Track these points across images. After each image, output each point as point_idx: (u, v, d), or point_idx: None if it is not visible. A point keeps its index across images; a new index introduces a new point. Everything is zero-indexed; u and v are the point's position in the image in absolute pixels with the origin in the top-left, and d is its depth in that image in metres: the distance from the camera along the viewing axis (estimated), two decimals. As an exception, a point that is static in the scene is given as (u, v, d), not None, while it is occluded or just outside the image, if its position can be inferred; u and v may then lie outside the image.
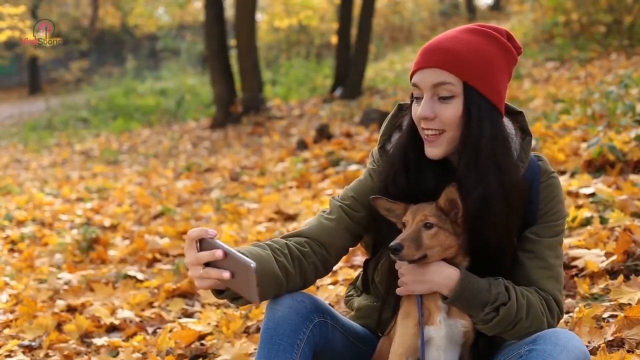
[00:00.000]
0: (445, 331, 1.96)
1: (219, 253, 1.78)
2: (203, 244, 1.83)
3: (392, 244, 1.89)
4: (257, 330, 3.31)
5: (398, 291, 2.00)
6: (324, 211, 2.16)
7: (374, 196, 2.02)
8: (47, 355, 3.42)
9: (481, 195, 1.92)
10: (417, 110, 1.98)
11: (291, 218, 5.58)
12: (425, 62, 1.95)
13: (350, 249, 2.22)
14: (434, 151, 1.98)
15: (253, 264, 1.71)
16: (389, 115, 2.17)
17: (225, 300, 3.66)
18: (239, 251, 1.81)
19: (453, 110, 1.94)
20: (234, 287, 1.81)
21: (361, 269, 2.32)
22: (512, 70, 2.02)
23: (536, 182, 2.05)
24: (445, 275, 1.93)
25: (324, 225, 2.11)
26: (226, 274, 1.77)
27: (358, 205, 2.13)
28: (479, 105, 1.93)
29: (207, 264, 1.82)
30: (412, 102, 2.04)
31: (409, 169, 2.04)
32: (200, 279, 1.84)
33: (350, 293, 2.38)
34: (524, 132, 2.06)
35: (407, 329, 1.98)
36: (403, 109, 2.15)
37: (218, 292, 1.94)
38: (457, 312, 1.96)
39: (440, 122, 1.95)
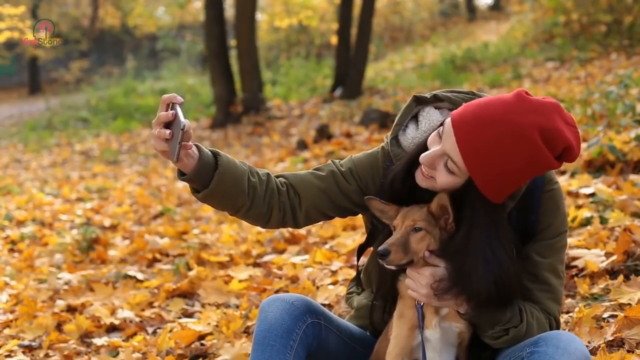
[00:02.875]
0: (439, 334, 1.96)
1: (171, 113, 1.89)
2: (173, 108, 1.93)
3: (379, 248, 1.89)
4: (257, 330, 3.31)
5: (409, 292, 1.98)
6: (318, 168, 2.18)
7: (368, 197, 2.03)
8: (47, 355, 3.42)
9: (456, 280, 1.90)
10: (430, 144, 1.93)
11: (291, 218, 5.57)
12: (457, 127, 1.84)
13: (334, 217, 2.21)
14: (422, 182, 1.97)
15: (185, 124, 1.84)
16: (404, 106, 2.16)
17: (224, 300, 3.66)
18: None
19: (448, 181, 1.89)
20: (171, 147, 1.90)
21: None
22: (537, 175, 1.91)
23: (539, 191, 2.03)
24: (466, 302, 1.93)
25: (308, 179, 2.14)
26: (167, 132, 1.89)
27: (351, 177, 2.14)
28: (474, 198, 1.87)
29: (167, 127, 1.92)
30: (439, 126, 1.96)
31: (407, 180, 2.02)
32: (155, 138, 1.91)
33: (351, 290, 2.38)
34: None
35: (402, 330, 1.99)
36: (419, 101, 2.14)
37: (181, 174, 2.00)
38: (451, 315, 1.97)
39: (434, 174, 1.92)
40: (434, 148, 1.90)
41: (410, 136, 2.11)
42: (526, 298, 2.02)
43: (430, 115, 2.11)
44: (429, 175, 1.93)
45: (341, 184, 2.13)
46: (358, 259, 2.28)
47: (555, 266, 2.04)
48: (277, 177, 2.15)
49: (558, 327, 2.06)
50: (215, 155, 2.01)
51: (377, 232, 2.13)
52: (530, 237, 2.03)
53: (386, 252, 1.88)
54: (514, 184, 1.85)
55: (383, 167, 2.14)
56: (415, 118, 2.13)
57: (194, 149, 1.96)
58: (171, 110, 1.91)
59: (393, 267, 1.93)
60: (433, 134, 1.94)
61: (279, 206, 2.09)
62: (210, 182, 1.98)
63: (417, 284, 1.94)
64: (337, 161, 2.19)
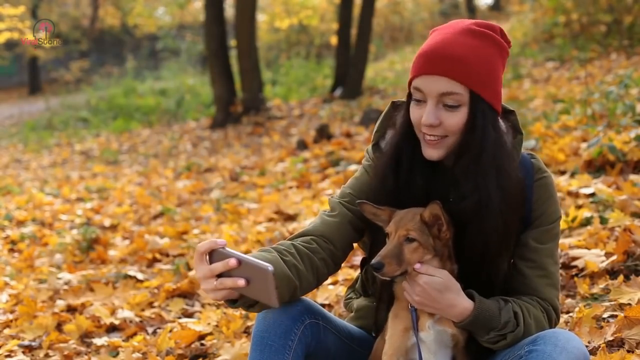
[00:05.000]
0: (434, 336, 1.96)
1: (232, 262, 1.74)
2: (213, 255, 1.79)
3: (373, 261, 1.88)
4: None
5: (405, 294, 1.99)
6: (325, 211, 2.17)
7: (359, 201, 2.03)
8: (47, 355, 3.42)
9: (478, 200, 1.92)
10: (418, 113, 1.97)
11: (291, 218, 5.58)
12: (432, 69, 1.92)
13: (354, 244, 2.21)
14: (434, 153, 1.98)
15: (270, 267, 1.68)
16: (383, 113, 2.17)
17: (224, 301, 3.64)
18: (252, 256, 1.78)
19: (458, 118, 1.93)
20: (251, 294, 1.77)
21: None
22: (504, 66, 2.03)
23: (529, 180, 2.05)
24: (459, 312, 1.92)
25: (328, 221, 2.12)
26: (241, 282, 1.73)
27: (357, 200, 2.13)
28: (483, 112, 1.93)
29: (219, 275, 1.79)
30: (409, 102, 2.03)
31: (400, 171, 2.04)
32: (215, 291, 1.80)
33: (349, 296, 2.38)
34: (516, 131, 2.07)
35: (396, 331, 1.99)
36: (397, 107, 2.16)
37: (231, 302, 1.91)
38: (445, 320, 1.96)
39: (444, 129, 1.95)
40: (424, 109, 1.95)
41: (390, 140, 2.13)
42: (525, 287, 2.02)
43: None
44: (439, 137, 1.95)
45: (353, 210, 2.12)
46: (362, 271, 2.27)
47: (552, 252, 2.06)
48: (297, 237, 2.10)
49: (557, 315, 2.05)
50: None
51: (378, 244, 2.13)
52: (526, 226, 2.05)
53: (380, 266, 1.87)
54: (497, 73, 1.97)
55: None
56: (394, 125, 2.14)
57: None
58: (218, 257, 1.75)
59: (388, 279, 1.94)
60: (412, 109, 1.99)
61: (321, 264, 2.05)
62: None
63: (411, 288, 1.94)
64: (335, 196, 2.20)
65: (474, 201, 1.93)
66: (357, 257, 4.11)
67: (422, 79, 1.94)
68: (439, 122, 1.93)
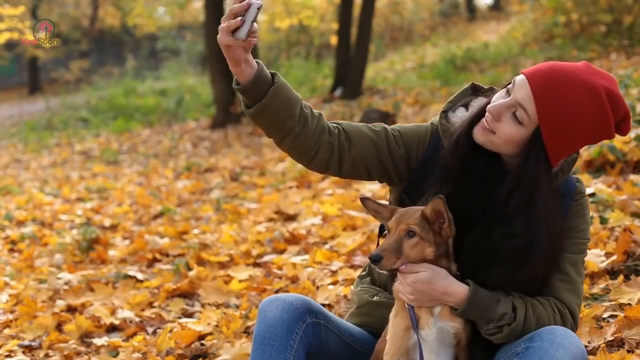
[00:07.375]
0: (436, 334, 1.96)
1: (245, 3, 1.95)
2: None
3: (371, 254, 1.91)
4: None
5: (399, 295, 2.00)
6: (372, 124, 2.19)
7: (362, 196, 2.05)
8: (47, 355, 3.42)
9: (528, 242, 1.94)
10: (496, 98, 1.99)
11: (291, 218, 5.58)
12: (534, 81, 1.92)
13: (372, 178, 2.21)
14: (479, 136, 2.00)
15: (261, 3, 1.96)
16: (462, 89, 2.20)
17: (224, 300, 3.66)
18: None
19: (511, 132, 1.94)
20: (240, 31, 1.95)
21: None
22: (593, 143, 2.02)
23: (569, 199, 2.07)
24: (456, 297, 1.94)
25: (362, 130, 2.15)
26: (239, 19, 1.94)
27: (400, 141, 2.15)
28: (537, 157, 1.93)
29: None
30: (505, 86, 2.03)
31: (466, 147, 2.04)
32: (223, 31, 1.94)
33: (363, 273, 2.39)
34: None
35: (397, 330, 2.00)
36: (475, 89, 2.18)
37: (236, 84, 2.02)
38: (446, 314, 1.97)
39: (496, 128, 1.96)
40: (501, 101, 1.95)
41: (459, 116, 2.14)
42: (545, 288, 2.02)
43: (481, 103, 2.14)
44: (490, 129, 1.96)
45: (391, 144, 2.15)
46: (379, 237, 2.28)
47: (576, 262, 2.05)
48: (331, 121, 2.16)
49: (575, 321, 2.04)
50: (273, 74, 2.04)
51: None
52: None
53: (378, 258, 1.90)
54: (575, 142, 1.94)
55: (429, 141, 2.16)
56: (466, 105, 2.16)
57: (254, 62, 1.99)
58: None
59: (385, 272, 1.95)
60: (498, 93, 2.01)
61: (327, 146, 2.09)
62: (264, 96, 1.99)
63: (403, 288, 1.96)
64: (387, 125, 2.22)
65: (523, 242, 1.94)
66: (357, 257, 4.11)
67: (523, 80, 1.95)
68: (498, 118, 1.95)
